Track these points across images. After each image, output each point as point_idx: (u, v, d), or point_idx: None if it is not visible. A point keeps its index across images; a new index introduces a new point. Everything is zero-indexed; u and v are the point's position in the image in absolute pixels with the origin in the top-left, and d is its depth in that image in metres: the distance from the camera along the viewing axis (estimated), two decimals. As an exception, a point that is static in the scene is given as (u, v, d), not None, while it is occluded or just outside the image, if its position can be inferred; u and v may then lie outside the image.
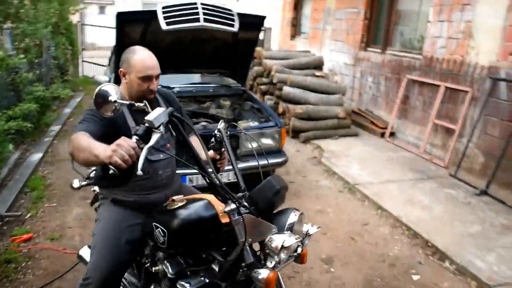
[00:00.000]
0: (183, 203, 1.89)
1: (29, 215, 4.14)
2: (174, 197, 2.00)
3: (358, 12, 8.20)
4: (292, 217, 1.78)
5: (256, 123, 4.52)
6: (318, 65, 8.01)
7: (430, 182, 5.22)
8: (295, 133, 6.85)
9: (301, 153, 6.29)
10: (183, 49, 4.73)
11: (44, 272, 3.26)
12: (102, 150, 1.66)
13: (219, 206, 1.78)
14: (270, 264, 1.67)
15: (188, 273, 1.92)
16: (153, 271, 2.03)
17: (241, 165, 4.14)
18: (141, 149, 1.61)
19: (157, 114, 1.65)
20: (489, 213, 4.44)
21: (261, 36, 13.74)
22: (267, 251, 1.69)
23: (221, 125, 2.04)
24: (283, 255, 1.67)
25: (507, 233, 4.03)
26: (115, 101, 1.73)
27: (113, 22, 4.73)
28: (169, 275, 1.92)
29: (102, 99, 1.73)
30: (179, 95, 5.09)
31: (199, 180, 3.98)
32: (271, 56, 8.25)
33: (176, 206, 1.90)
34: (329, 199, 4.71)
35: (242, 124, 4.45)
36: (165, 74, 5.01)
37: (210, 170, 1.79)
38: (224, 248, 1.86)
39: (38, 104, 6.11)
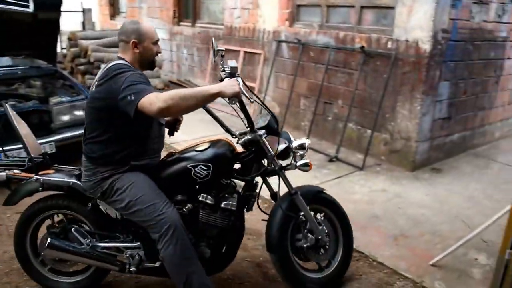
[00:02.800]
0: (208, 144, 2.51)
1: None
2: (176, 150, 2.64)
3: (167, -11, 8.73)
4: (289, 134, 2.66)
5: (68, 98, 4.80)
6: (135, 42, 8.36)
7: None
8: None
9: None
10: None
11: None
12: (223, 87, 2.10)
13: (232, 142, 2.57)
14: (300, 158, 2.57)
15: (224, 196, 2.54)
16: (184, 210, 2.47)
17: (57, 137, 4.46)
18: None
19: (234, 63, 2.33)
20: (280, 150, 5.45)
21: (81, 17, 13.48)
22: (294, 151, 2.57)
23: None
24: (303, 152, 2.58)
25: (291, 162, 5.07)
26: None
27: None
28: (211, 202, 2.48)
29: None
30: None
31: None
32: (86, 36, 8.33)
33: (206, 147, 2.50)
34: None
35: (53, 100, 4.69)
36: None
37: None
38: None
39: None
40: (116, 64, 2.29)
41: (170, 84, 7.87)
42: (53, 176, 2.56)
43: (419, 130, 4.66)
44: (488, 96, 5.48)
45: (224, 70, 2.38)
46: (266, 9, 6.41)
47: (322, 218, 2.79)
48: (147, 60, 2.42)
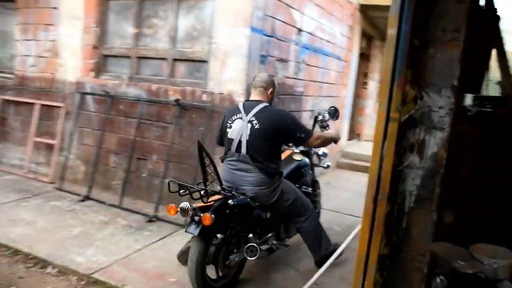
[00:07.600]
0: (301, 156, 3.99)
1: None
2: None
3: None
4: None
5: None
6: None
7: (35, 198, 5.20)
8: None
9: None
10: None
11: None
12: (334, 135, 3.53)
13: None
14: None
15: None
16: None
17: None
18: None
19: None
20: (91, 214, 4.81)
21: None
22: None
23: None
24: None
25: (105, 227, 4.48)
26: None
27: None
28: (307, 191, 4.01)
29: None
30: None
31: None
32: None
33: (302, 157, 4.00)
34: None
35: None
36: None
37: None
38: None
39: None
40: (271, 106, 3.32)
41: None
42: (235, 200, 3.10)
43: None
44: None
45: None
46: (68, 58, 5.81)
47: None
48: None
